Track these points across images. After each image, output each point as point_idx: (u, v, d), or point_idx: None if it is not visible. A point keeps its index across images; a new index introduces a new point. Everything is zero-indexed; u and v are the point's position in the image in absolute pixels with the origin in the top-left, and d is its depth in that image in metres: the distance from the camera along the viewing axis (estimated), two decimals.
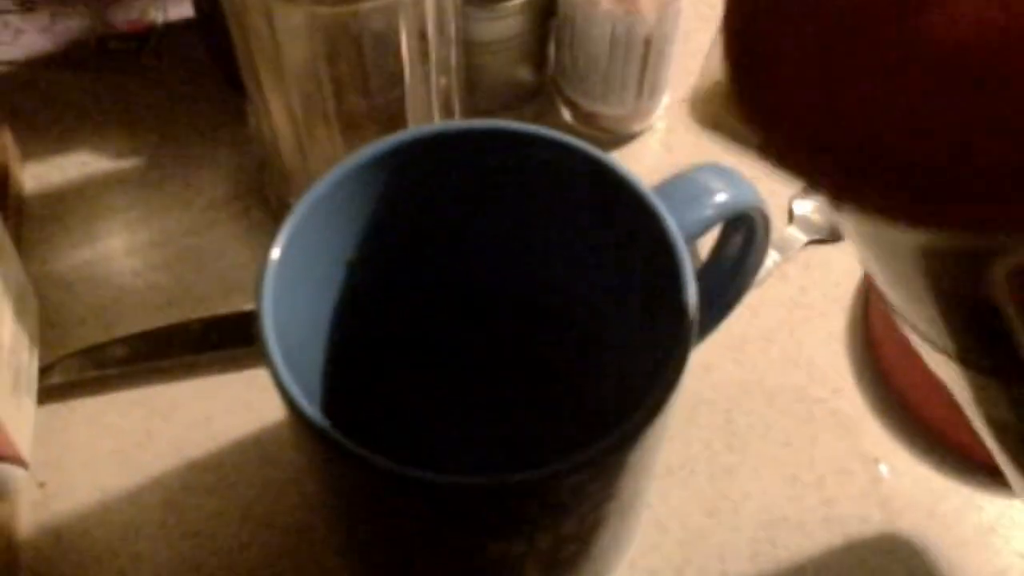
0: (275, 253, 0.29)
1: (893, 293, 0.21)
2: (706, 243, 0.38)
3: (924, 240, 0.17)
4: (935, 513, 0.43)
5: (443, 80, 0.43)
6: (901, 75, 0.16)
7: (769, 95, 0.18)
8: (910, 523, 0.42)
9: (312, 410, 0.27)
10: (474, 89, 0.50)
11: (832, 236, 0.51)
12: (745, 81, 0.18)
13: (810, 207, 0.52)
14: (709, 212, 0.33)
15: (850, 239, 0.21)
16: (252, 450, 0.43)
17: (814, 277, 0.50)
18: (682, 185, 0.33)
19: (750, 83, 0.18)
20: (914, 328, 0.22)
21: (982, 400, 0.22)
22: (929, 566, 0.41)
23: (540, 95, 0.54)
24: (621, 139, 0.53)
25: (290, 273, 0.30)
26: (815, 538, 0.42)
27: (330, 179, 0.31)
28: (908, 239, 0.18)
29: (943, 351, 0.21)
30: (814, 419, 0.45)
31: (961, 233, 0.16)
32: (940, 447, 0.45)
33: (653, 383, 0.28)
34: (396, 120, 0.41)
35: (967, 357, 0.21)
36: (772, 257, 0.49)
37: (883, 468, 0.44)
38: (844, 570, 0.41)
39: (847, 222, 0.20)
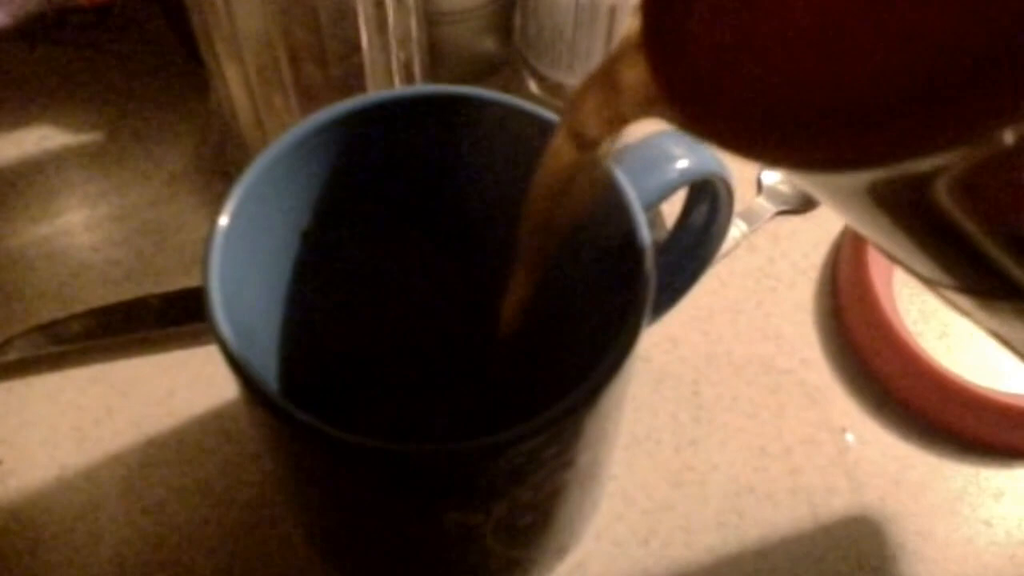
0: (223, 220, 0.28)
1: (881, 240, 0.21)
2: (673, 211, 0.38)
3: (860, 180, 0.17)
4: (902, 482, 0.43)
5: (403, 54, 0.42)
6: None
7: (674, 38, 0.19)
8: (877, 492, 0.42)
9: (260, 377, 0.26)
10: (437, 61, 0.49)
11: (800, 207, 0.51)
12: (652, 25, 0.19)
13: (778, 177, 0.51)
14: (669, 177, 0.33)
15: (814, 192, 0.21)
16: (212, 426, 0.42)
17: (782, 248, 0.49)
18: (642, 151, 0.33)
19: (657, 27, 0.19)
20: (914, 272, 0.22)
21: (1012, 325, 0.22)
22: (896, 535, 0.41)
23: (506, 66, 0.53)
24: None
25: (240, 242, 0.29)
26: (782, 508, 0.41)
27: (282, 144, 0.30)
28: (847, 182, 0.18)
29: (951, 287, 0.21)
30: (781, 390, 0.45)
31: (881, 166, 0.16)
32: (907, 416, 0.45)
33: (607, 349, 0.28)
34: (355, 91, 0.41)
35: (973, 287, 0.21)
36: (740, 228, 0.49)
37: (850, 437, 0.44)
38: (811, 540, 0.41)
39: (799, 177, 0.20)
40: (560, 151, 0.26)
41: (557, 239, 0.29)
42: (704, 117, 0.18)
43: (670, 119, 0.20)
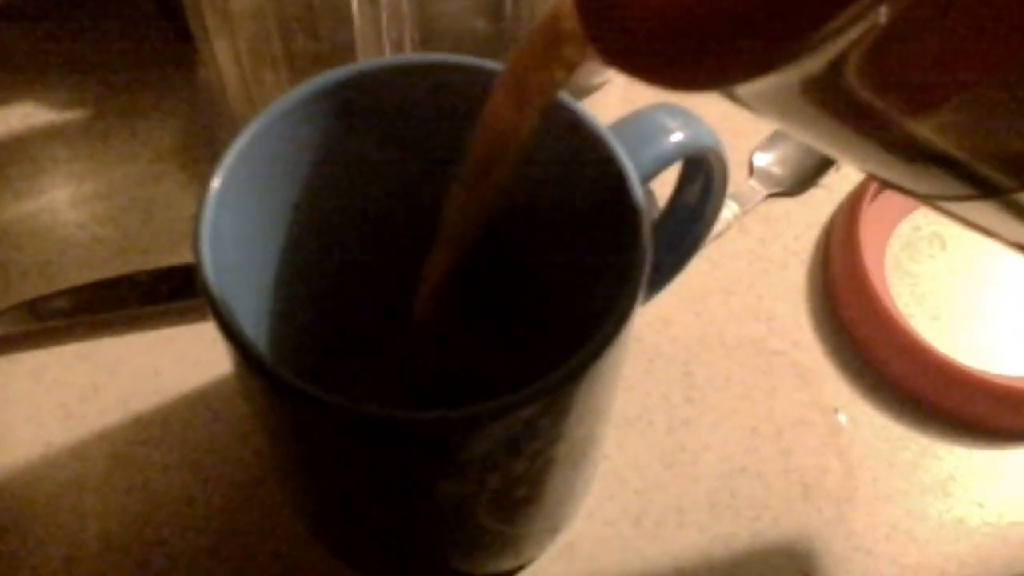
0: (216, 182, 0.28)
1: (854, 157, 0.22)
2: (664, 192, 0.38)
3: (786, 83, 0.18)
4: (894, 463, 0.43)
5: (394, 32, 0.41)
6: None
7: None
8: (869, 473, 0.42)
9: (253, 343, 0.26)
10: (428, 40, 0.49)
11: (792, 189, 0.50)
12: None
13: (770, 159, 0.51)
14: (664, 150, 0.32)
15: (764, 114, 0.21)
16: (200, 404, 0.42)
17: (774, 230, 0.49)
18: (637, 123, 0.33)
19: None
20: (917, 193, 0.22)
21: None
22: (889, 515, 0.41)
23: (498, 46, 0.52)
24: (580, 92, 0.52)
25: (232, 209, 0.29)
26: (774, 489, 0.41)
27: (275, 110, 0.30)
28: (778, 90, 0.18)
29: (940, 198, 0.22)
30: (773, 371, 0.45)
31: (780, 54, 0.17)
32: (899, 397, 0.44)
33: (604, 320, 0.27)
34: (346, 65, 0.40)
35: (954, 193, 0.21)
36: (732, 209, 0.49)
37: (842, 418, 0.43)
38: (803, 520, 0.41)
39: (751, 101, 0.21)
40: (501, 99, 0.27)
41: (493, 196, 0.29)
42: (617, 46, 0.20)
43: (596, 54, 0.21)
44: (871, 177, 0.24)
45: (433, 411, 0.25)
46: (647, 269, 0.28)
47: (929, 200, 0.22)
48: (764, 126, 0.52)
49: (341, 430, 0.26)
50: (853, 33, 0.16)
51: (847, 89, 0.18)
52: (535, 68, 0.26)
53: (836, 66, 0.17)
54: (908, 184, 0.22)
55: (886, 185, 0.23)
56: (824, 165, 0.51)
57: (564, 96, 0.31)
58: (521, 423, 0.26)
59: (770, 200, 0.50)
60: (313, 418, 0.26)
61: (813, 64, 0.17)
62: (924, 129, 0.19)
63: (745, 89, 0.19)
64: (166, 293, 0.43)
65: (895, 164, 0.21)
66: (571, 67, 0.25)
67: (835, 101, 0.19)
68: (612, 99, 0.53)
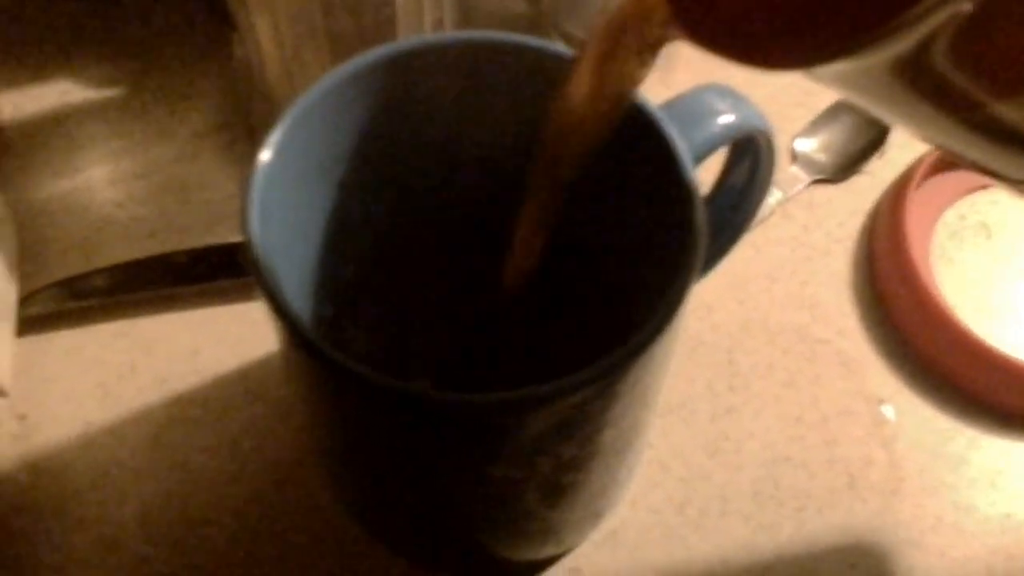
0: (264, 156, 0.27)
1: (942, 138, 0.22)
2: (706, 177, 0.37)
3: (873, 65, 0.18)
4: (940, 454, 0.42)
5: (438, 12, 0.41)
6: None
7: None
8: (915, 464, 0.41)
9: (303, 323, 0.25)
10: (466, 21, 0.48)
11: (835, 176, 0.50)
12: None
13: (813, 145, 0.50)
14: (714, 132, 0.32)
15: (851, 95, 0.21)
16: (238, 384, 0.41)
17: (817, 216, 0.48)
18: (687, 105, 0.32)
19: None
20: (1008, 177, 0.22)
21: None
22: (935, 508, 0.40)
23: (536, 28, 0.52)
24: None
25: (278, 187, 0.28)
26: (818, 479, 0.41)
27: (322, 87, 0.29)
28: (863, 71, 0.18)
29: None
30: (817, 359, 0.44)
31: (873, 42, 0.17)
32: (945, 387, 0.44)
33: (659, 300, 0.27)
34: (386, 43, 0.40)
35: None
36: (775, 196, 0.48)
37: (887, 409, 0.43)
38: (848, 511, 0.40)
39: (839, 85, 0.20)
40: (582, 81, 0.26)
41: (570, 173, 0.29)
42: (706, 24, 0.20)
43: (681, 33, 0.21)
44: (950, 156, 0.23)
45: (491, 393, 0.24)
46: (702, 253, 0.28)
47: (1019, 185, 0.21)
48: (806, 112, 0.51)
49: (394, 411, 0.26)
50: (944, 13, 0.16)
51: (937, 69, 0.18)
52: (616, 54, 0.25)
53: (925, 46, 0.17)
54: (997, 167, 0.21)
55: (966, 166, 0.22)
56: (868, 151, 0.50)
57: None
58: (574, 407, 0.26)
59: (813, 186, 0.49)
60: (365, 399, 0.26)
61: (901, 44, 0.17)
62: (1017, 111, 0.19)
63: (826, 69, 0.18)
64: (204, 272, 0.43)
65: (984, 145, 0.21)
66: (655, 50, 0.25)
67: (924, 81, 0.19)
68: (651, 82, 0.52)
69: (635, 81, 0.26)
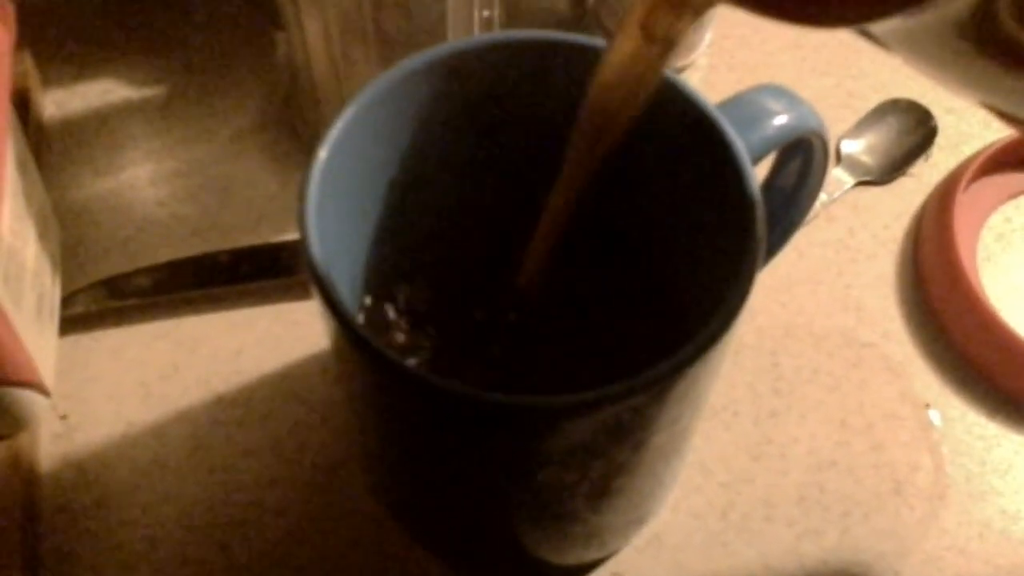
0: (322, 154, 0.27)
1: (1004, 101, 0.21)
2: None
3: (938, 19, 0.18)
4: (987, 460, 0.41)
5: (487, 10, 0.41)
6: None
7: None
8: (962, 471, 0.41)
9: (360, 324, 0.25)
10: (512, 20, 0.48)
11: (881, 178, 0.49)
12: None
13: (858, 147, 0.50)
14: (770, 133, 0.31)
15: (910, 55, 0.21)
16: (281, 385, 0.41)
17: (862, 219, 0.48)
18: (742, 105, 0.32)
19: None
20: None
21: None
22: (982, 514, 0.40)
23: (580, 27, 0.52)
24: None
25: (333, 186, 0.28)
26: (865, 484, 0.40)
27: (377, 86, 0.29)
28: (927, 26, 0.18)
29: None
30: (863, 363, 0.43)
31: None
32: (993, 393, 0.43)
33: (716, 306, 0.26)
34: (436, 43, 0.39)
35: None
36: (819, 198, 0.47)
37: (934, 414, 0.42)
38: (895, 516, 0.39)
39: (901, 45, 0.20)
40: (624, 46, 0.26)
41: (609, 145, 0.28)
42: None
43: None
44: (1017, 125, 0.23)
45: (551, 396, 0.24)
46: (762, 258, 0.28)
47: None
48: (851, 113, 0.51)
49: (449, 414, 0.25)
50: None
51: (1004, 27, 0.18)
52: (663, 11, 0.25)
53: (989, 3, 0.17)
54: None
55: None
56: (913, 154, 0.50)
57: (674, 76, 0.30)
58: (631, 410, 0.26)
59: (858, 188, 0.49)
60: (420, 401, 0.26)
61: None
62: None
63: (886, 26, 0.18)
64: (246, 272, 0.43)
65: None
66: (699, 10, 0.25)
67: (991, 41, 0.19)
68: (694, 82, 0.52)
69: (681, 36, 0.26)
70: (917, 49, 0.20)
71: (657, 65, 0.26)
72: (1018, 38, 0.18)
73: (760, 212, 0.28)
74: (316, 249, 0.26)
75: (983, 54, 0.19)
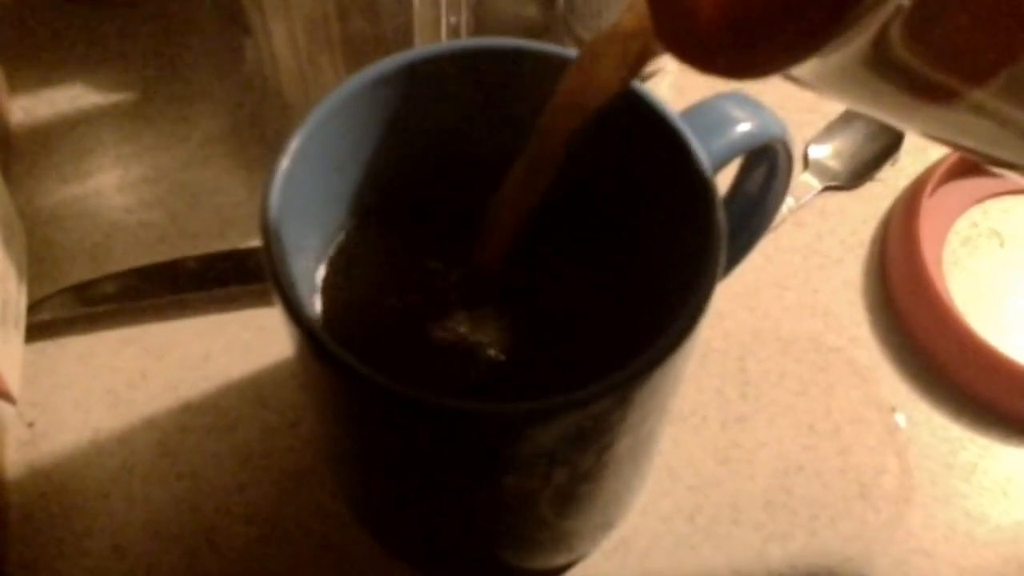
0: (283, 163, 0.27)
1: (951, 138, 0.22)
2: (722, 182, 0.37)
3: (846, 58, 0.19)
4: (953, 464, 0.42)
5: (454, 17, 0.41)
6: None
7: None
8: (927, 473, 0.41)
9: (321, 330, 0.25)
10: (480, 27, 0.48)
11: (848, 183, 0.49)
12: None
13: (825, 152, 0.50)
14: (733, 140, 0.32)
15: (834, 93, 0.22)
16: (249, 391, 0.41)
17: (830, 224, 0.48)
18: (705, 113, 0.32)
19: None
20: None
21: None
22: (947, 517, 0.40)
23: (549, 34, 0.52)
24: None
25: (294, 193, 0.28)
26: (831, 487, 0.40)
27: (341, 93, 0.29)
28: (840, 66, 0.19)
29: None
30: (829, 367, 0.44)
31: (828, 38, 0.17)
32: (958, 396, 0.44)
33: (678, 309, 0.27)
34: (402, 49, 0.39)
35: None
36: (787, 203, 0.48)
37: (900, 418, 0.43)
38: (860, 520, 0.40)
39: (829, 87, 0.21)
40: (572, 78, 0.28)
41: (563, 143, 0.30)
42: (686, 40, 0.21)
43: (665, 48, 0.23)
44: (958, 151, 0.24)
45: (512, 402, 0.24)
46: (722, 260, 0.28)
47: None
48: (819, 119, 0.51)
49: (411, 420, 0.26)
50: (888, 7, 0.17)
51: (902, 60, 0.19)
52: (602, 59, 0.27)
53: (884, 38, 0.18)
54: (1002, 155, 0.21)
55: (978, 160, 0.22)
56: (880, 158, 0.50)
57: (639, 85, 0.31)
58: (594, 416, 0.26)
59: (825, 193, 0.49)
60: (381, 407, 0.26)
61: (860, 37, 0.18)
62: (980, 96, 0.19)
63: (803, 70, 0.19)
64: (214, 278, 0.43)
65: (980, 135, 0.21)
66: (641, 61, 0.27)
67: (895, 74, 0.19)
68: (663, 88, 0.52)
69: (611, 88, 0.28)
70: (840, 89, 0.21)
71: (596, 97, 0.28)
72: (911, 65, 0.19)
73: (720, 215, 0.28)
74: (277, 256, 0.26)
75: (893, 84, 0.20)
